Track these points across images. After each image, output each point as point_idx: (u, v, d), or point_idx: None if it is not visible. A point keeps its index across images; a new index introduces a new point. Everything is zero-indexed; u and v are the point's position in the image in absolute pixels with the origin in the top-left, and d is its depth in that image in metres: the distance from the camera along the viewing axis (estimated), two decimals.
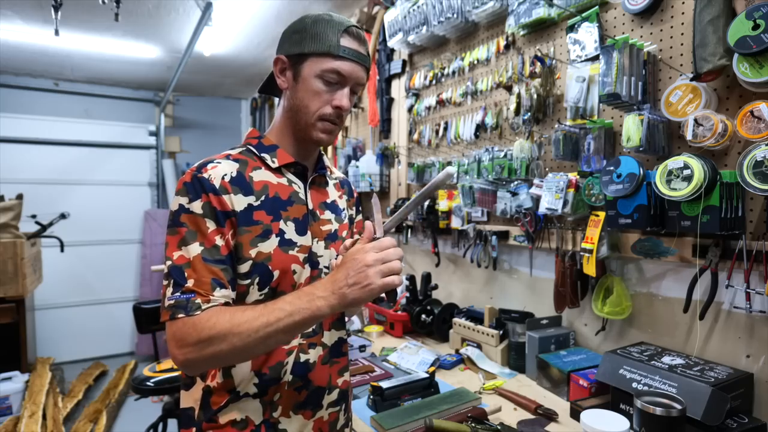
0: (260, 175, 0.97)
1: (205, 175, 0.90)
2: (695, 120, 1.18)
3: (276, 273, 0.94)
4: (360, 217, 1.25)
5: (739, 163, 1.08)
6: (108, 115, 4.96)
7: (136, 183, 5.09)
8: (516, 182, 1.77)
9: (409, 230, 2.42)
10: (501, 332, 1.74)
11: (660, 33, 1.37)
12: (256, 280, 0.92)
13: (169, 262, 0.86)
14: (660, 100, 1.29)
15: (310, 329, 1.00)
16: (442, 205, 2.14)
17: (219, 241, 0.88)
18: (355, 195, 1.24)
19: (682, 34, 1.31)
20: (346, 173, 2.87)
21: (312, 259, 1.01)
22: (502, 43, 1.89)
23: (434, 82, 2.28)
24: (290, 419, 0.98)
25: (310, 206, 1.03)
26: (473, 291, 2.14)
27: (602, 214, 1.42)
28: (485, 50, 1.98)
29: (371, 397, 1.39)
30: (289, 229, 0.97)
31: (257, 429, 0.95)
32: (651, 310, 1.44)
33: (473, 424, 1.20)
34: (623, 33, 1.45)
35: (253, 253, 0.92)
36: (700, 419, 1.02)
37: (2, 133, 4.44)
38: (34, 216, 3.65)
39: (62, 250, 3.88)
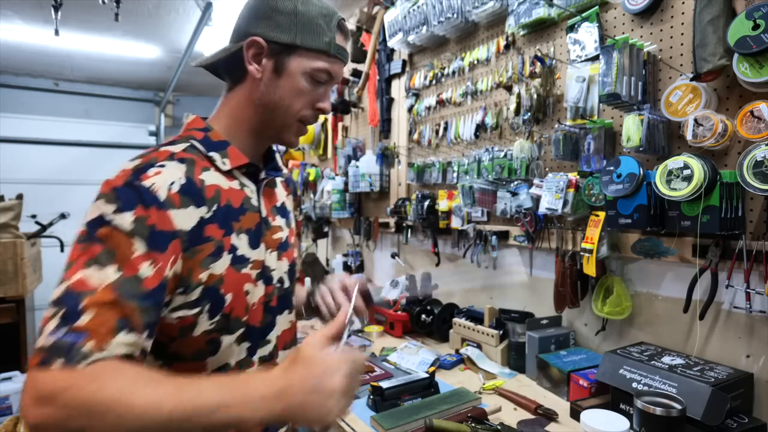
0: (211, 179, 0.80)
1: (146, 184, 0.70)
2: (695, 120, 1.18)
3: (228, 297, 0.79)
4: (301, 217, 1.11)
5: (739, 163, 1.08)
6: (108, 115, 4.96)
7: None
8: (516, 182, 1.77)
9: (409, 230, 2.42)
10: (501, 332, 1.74)
11: (660, 33, 1.37)
12: (207, 307, 0.77)
13: (64, 285, 0.63)
14: (660, 100, 1.29)
15: (267, 352, 0.88)
16: (442, 205, 2.14)
17: (145, 270, 0.67)
18: (299, 193, 1.13)
19: (682, 34, 1.31)
20: (346, 173, 2.87)
21: (266, 275, 0.87)
22: (502, 43, 1.89)
23: (434, 82, 2.28)
24: None
25: (263, 213, 0.89)
26: (473, 291, 2.14)
27: (602, 214, 1.42)
28: (485, 50, 1.98)
29: (371, 397, 1.39)
30: (242, 243, 0.82)
31: None
32: (651, 310, 1.44)
33: (473, 424, 1.20)
34: (623, 33, 1.45)
35: (204, 276, 0.75)
36: (700, 419, 1.02)
37: (2, 133, 4.44)
38: (34, 216, 3.65)
39: (62, 250, 3.88)
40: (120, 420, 0.56)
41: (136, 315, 0.65)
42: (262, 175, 0.90)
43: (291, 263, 0.96)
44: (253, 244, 0.84)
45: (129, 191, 0.69)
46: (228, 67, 0.87)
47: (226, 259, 0.79)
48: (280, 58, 0.82)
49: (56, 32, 2.43)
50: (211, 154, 0.82)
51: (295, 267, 0.99)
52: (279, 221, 0.94)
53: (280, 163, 1.00)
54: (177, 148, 0.80)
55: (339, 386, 0.63)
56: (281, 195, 0.99)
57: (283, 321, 0.93)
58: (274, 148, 0.98)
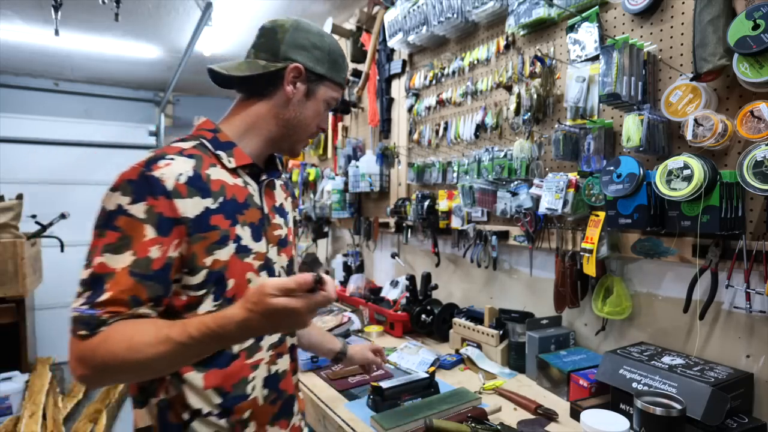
0: (216, 174, 0.90)
1: (156, 174, 0.81)
2: (695, 120, 1.18)
3: (231, 282, 0.88)
4: (298, 216, 1.25)
5: (739, 163, 1.08)
6: (108, 115, 4.96)
7: None
8: (516, 182, 1.77)
9: (409, 230, 2.42)
10: (501, 332, 1.74)
11: (660, 33, 1.37)
12: (212, 289, 0.87)
13: (90, 269, 0.77)
14: (660, 100, 1.29)
15: (275, 338, 0.99)
16: (442, 205, 2.14)
17: (154, 253, 0.79)
18: (296, 195, 1.28)
19: (682, 34, 1.31)
20: (346, 173, 2.87)
21: (268, 266, 0.97)
22: (502, 43, 1.89)
23: (434, 82, 2.28)
24: None
25: (265, 210, 0.99)
26: (473, 291, 2.14)
27: (602, 214, 1.42)
28: (485, 50, 1.98)
29: (371, 397, 1.39)
30: (246, 235, 0.92)
31: None
32: (651, 310, 1.44)
33: (473, 424, 1.20)
34: (623, 33, 1.45)
35: (208, 261, 0.85)
36: (700, 419, 1.03)
37: (2, 133, 4.44)
38: (34, 216, 3.65)
39: (62, 250, 3.88)
40: (130, 355, 0.73)
41: (144, 291, 0.79)
42: (264, 176, 1.00)
43: (290, 259, 1.07)
44: (256, 237, 0.94)
45: (141, 183, 0.80)
46: (257, 81, 0.96)
47: (231, 247, 0.88)
48: (313, 84, 0.98)
49: (56, 32, 2.43)
50: (219, 152, 0.92)
51: (293, 263, 1.09)
52: (278, 220, 1.03)
53: (280, 167, 1.10)
54: (187, 145, 0.91)
55: (292, 322, 0.75)
56: (280, 196, 1.08)
57: None
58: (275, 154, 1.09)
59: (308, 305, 0.72)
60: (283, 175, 1.15)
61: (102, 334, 0.75)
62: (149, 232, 0.79)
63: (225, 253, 0.87)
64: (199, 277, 0.85)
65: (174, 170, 0.83)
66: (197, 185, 0.85)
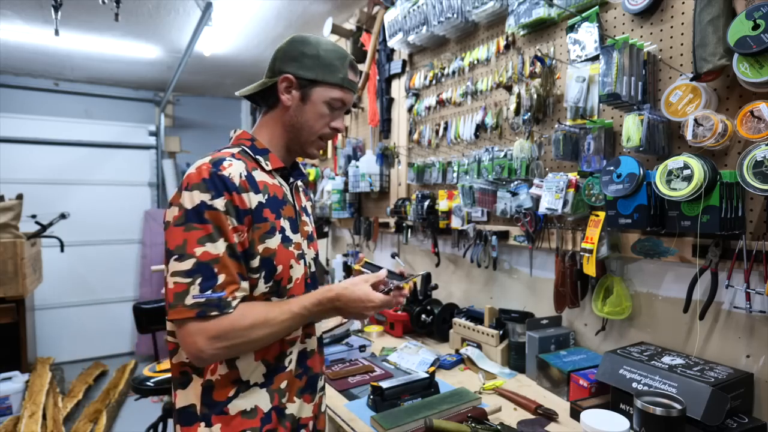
0: (259, 176, 1.02)
1: (225, 173, 0.93)
2: (695, 120, 1.18)
3: (279, 267, 1.00)
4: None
5: (739, 163, 1.08)
6: (108, 115, 4.96)
7: (136, 183, 5.08)
8: (516, 182, 1.77)
9: (409, 230, 2.42)
10: (501, 332, 1.74)
11: (660, 33, 1.37)
12: (263, 273, 0.98)
13: (192, 259, 0.88)
14: (660, 100, 1.29)
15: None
16: (442, 205, 2.14)
17: (237, 239, 0.93)
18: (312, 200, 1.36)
19: (682, 34, 1.31)
20: (346, 173, 2.87)
21: (303, 256, 1.09)
22: (502, 43, 1.89)
23: (434, 82, 2.28)
24: (295, 404, 1.06)
25: (297, 207, 1.11)
26: (473, 291, 2.14)
27: (602, 214, 1.42)
28: (485, 50, 1.98)
29: (371, 397, 1.39)
30: (287, 227, 1.04)
31: (267, 416, 1.00)
32: (651, 310, 1.44)
33: (473, 424, 1.20)
34: (623, 33, 1.45)
35: (260, 248, 0.97)
36: (700, 419, 1.03)
37: (2, 133, 4.44)
38: (34, 216, 3.65)
39: (62, 250, 3.88)
40: (264, 329, 0.93)
41: (243, 269, 0.94)
42: (291, 179, 1.13)
43: (316, 252, 1.19)
44: (293, 230, 1.06)
45: (215, 180, 0.91)
46: (264, 96, 1.09)
47: (278, 237, 1.00)
48: (306, 90, 1.05)
49: (56, 32, 2.43)
50: (258, 157, 1.05)
51: (318, 257, 1.21)
52: (305, 218, 1.16)
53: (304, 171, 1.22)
54: (234, 150, 1.03)
55: (363, 307, 1.01)
56: (303, 199, 1.20)
57: None
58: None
59: (382, 300, 1.01)
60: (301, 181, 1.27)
61: (237, 312, 0.90)
62: (231, 221, 0.92)
63: (273, 242, 0.99)
64: (255, 262, 0.97)
65: (236, 169, 0.95)
66: (251, 182, 0.98)
